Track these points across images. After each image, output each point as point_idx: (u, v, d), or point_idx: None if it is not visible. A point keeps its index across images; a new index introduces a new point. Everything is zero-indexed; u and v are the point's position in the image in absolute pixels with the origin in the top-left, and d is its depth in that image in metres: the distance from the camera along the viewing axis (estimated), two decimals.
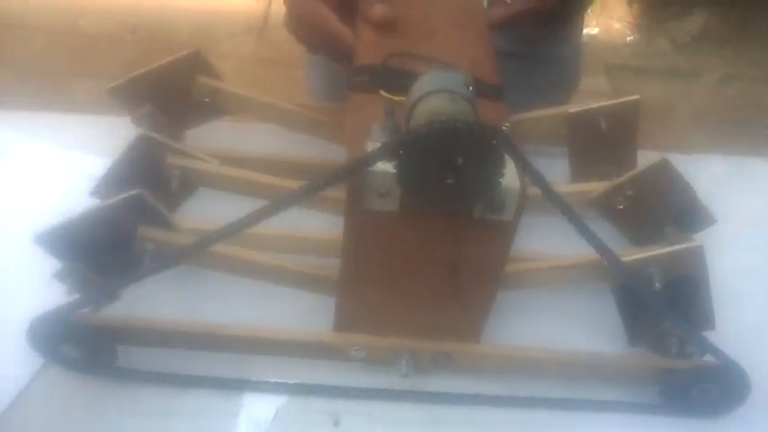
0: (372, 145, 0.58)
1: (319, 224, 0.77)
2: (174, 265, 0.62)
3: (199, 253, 0.60)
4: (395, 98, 0.62)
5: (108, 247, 0.65)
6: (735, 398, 0.70)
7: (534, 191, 0.57)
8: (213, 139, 0.87)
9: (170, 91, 0.83)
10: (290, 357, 0.71)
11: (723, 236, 0.78)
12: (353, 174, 0.56)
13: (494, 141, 0.52)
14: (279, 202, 0.56)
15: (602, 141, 0.84)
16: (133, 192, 0.65)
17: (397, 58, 0.69)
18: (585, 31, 2.76)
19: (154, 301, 0.70)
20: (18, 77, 2.22)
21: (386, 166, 0.56)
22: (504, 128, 0.60)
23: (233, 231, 0.57)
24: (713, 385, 0.69)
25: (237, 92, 0.85)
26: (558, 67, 1.18)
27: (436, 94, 0.55)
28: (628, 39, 2.78)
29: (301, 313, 0.72)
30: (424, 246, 0.62)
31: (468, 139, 0.52)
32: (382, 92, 0.65)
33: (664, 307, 0.66)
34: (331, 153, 0.87)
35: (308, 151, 0.88)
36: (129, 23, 2.54)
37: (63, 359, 0.68)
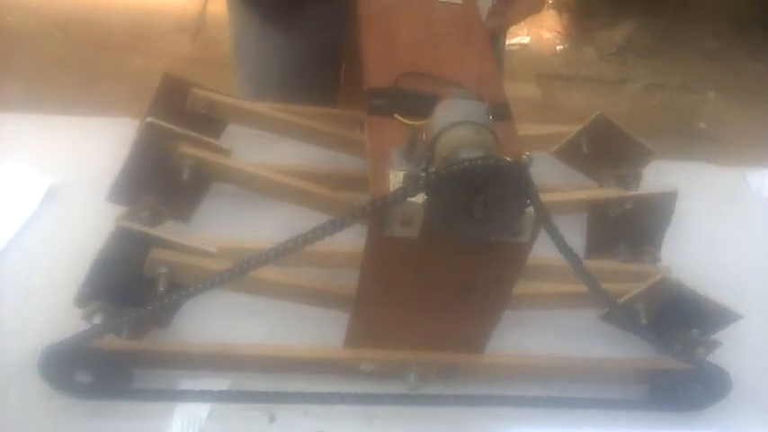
0: (395, 174, 0.59)
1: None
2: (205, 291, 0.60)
3: (226, 281, 0.59)
4: (416, 124, 0.64)
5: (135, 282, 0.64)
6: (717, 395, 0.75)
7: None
8: None
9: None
10: (300, 374, 0.72)
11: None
12: (382, 209, 0.57)
13: (520, 178, 0.54)
14: (307, 236, 0.56)
15: (594, 154, 0.91)
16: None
17: (407, 78, 0.71)
18: (517, 40, 2.87)
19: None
20: None
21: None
22: (524, 157, 0.63)
23: (261, 263, 0.57)
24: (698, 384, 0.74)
25: (233, 102, 0.85)
26: None
27: (460, 125, 0.57)
28: (557, 48, 2.89)
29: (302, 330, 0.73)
30: (440, 268, 0.64)
31: (496, 175, 0.54)
32: (398, 116, 0.67)
33: (652, 338, 0.70)
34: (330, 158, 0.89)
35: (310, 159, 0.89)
36: (59, 21, 2.44)
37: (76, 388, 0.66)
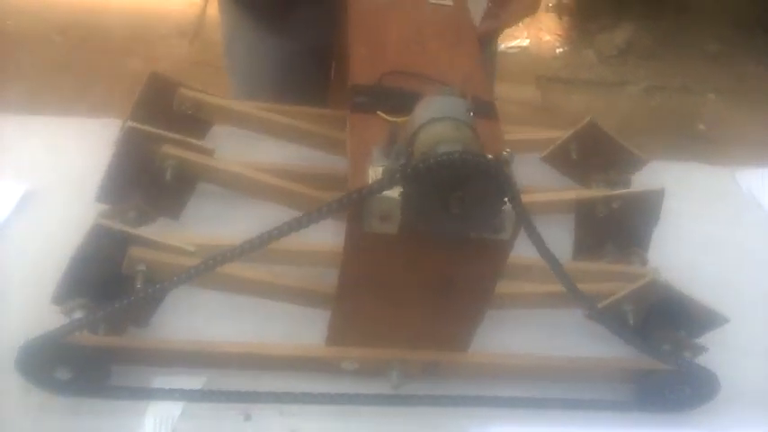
0: (374, 170, 0.59)
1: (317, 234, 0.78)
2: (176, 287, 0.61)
3: (197, 276, 0.59)
4: (398, 120, 0.64)
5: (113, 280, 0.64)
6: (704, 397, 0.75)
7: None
8: None
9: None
10: (281, 372, 0.71)
11: None
12: (359, 202, 0.56)
13: (497, 173, 0.54)
14: (281, 229, 0.56)
15: (583, 160, 0.91)
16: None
17: (392, 76, 0.71)
18: (517, 42, 2.86)
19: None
20: None
21: (388, 192, 0.56)
22: (504, 153, 0.62)
23: (233, 257, 0.57)
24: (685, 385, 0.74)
25: (219, 101, 0.85)
26: None
27: (439, 121, 0.56)
28: (557, 51, 2.88)
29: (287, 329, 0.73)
30: (420, 264, 0.64)
31: (474, 171, 0.53)
32: (381, 113, 0.67)
33: (634, 342, 0.69)
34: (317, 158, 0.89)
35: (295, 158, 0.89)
36: (58, 24, 2.45)
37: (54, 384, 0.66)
